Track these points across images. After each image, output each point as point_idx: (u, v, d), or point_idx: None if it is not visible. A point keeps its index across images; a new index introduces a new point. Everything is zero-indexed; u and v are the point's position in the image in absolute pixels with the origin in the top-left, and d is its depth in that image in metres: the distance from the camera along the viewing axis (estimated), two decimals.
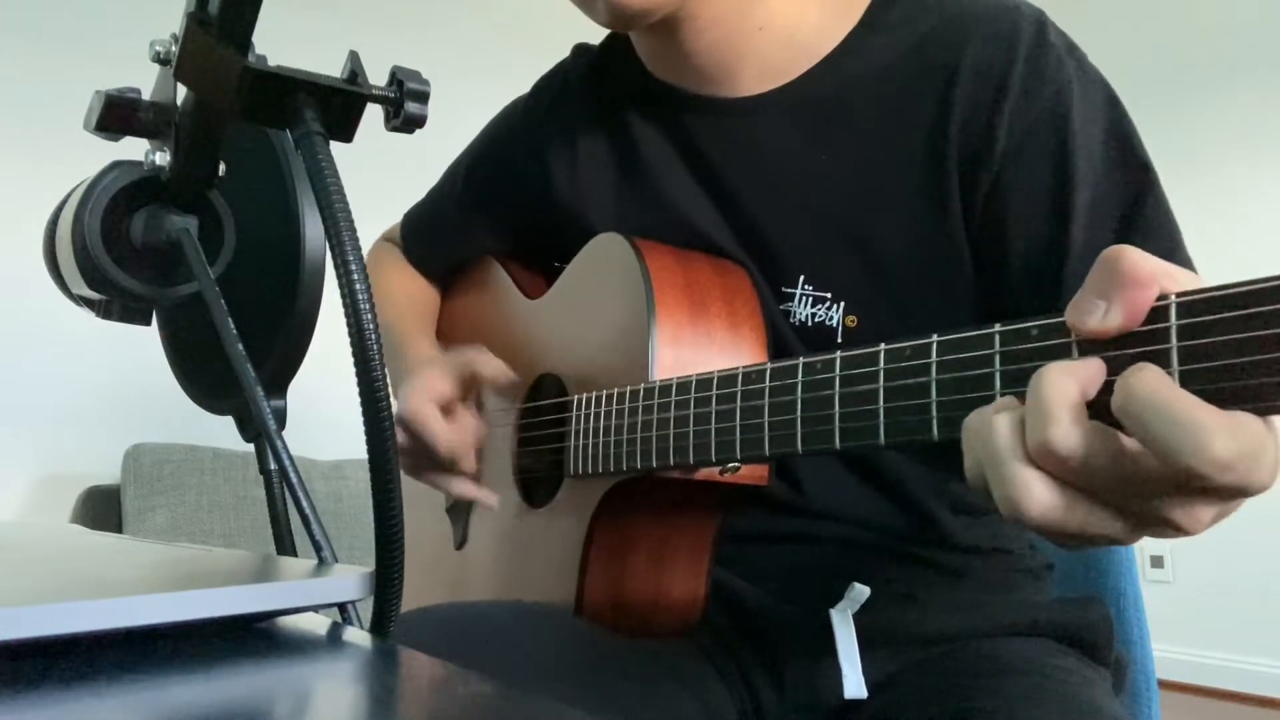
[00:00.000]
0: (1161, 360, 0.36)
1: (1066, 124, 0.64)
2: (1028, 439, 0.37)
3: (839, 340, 0.71)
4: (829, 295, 0.72)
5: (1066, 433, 0.35)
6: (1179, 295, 0.37)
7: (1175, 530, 0.37)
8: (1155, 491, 0.36)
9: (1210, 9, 3.21)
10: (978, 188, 0.67)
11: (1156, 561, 3.21)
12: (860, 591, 0.69)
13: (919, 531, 0.74)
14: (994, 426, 0.38)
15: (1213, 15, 3.21)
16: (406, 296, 1.02)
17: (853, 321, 0.72)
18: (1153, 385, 0.34)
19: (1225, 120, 3.16)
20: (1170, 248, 0.62)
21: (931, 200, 0.68)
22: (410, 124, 0.42)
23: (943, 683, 0.66)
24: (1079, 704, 0.61)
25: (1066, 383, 0.36)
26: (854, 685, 0.67)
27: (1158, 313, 0.37)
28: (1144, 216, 0.63)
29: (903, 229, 0.70)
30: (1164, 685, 2.89)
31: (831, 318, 0.72)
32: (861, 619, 0.69)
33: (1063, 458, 0.36)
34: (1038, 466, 0.37)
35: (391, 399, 0.35)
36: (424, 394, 0.79)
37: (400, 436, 0.80)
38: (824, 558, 0.74)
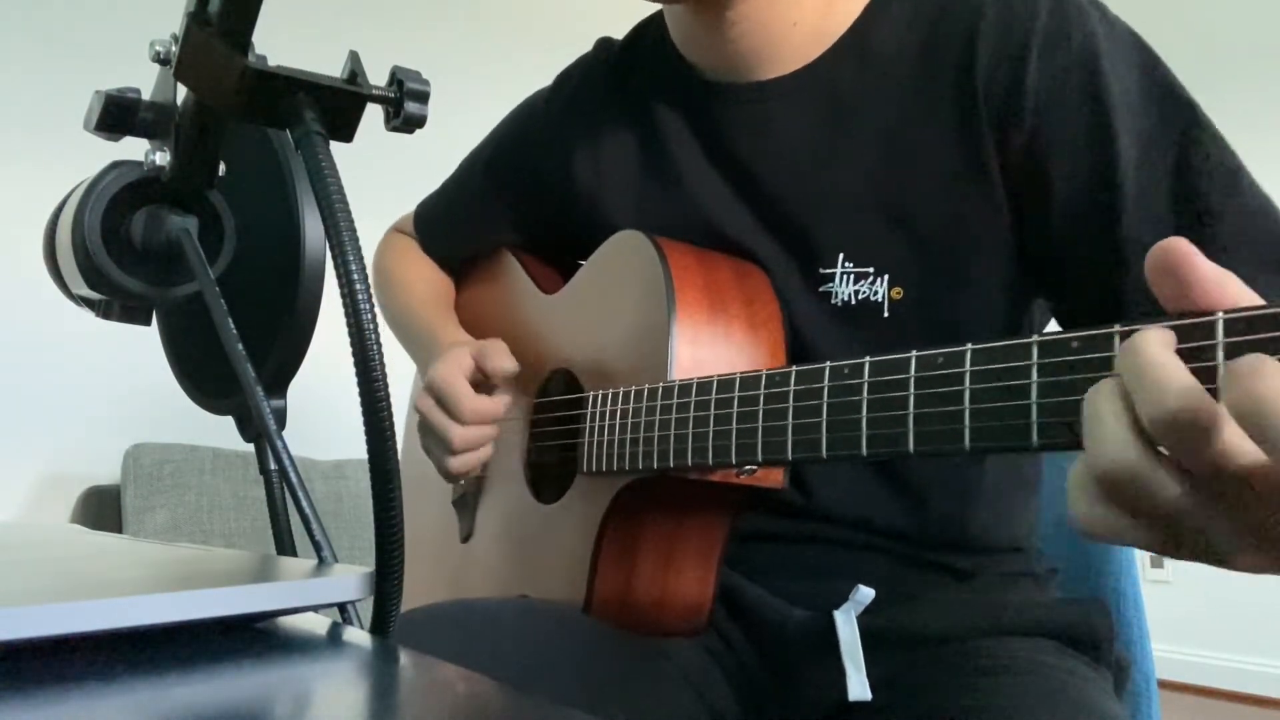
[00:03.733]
0: (1206, 378, 0.34)
1: (1097, 72, 0.63)
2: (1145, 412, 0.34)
3: (885, 315, 0.70)
4: (871, 270, 0.71)
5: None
6: (1226, 312, 0.36)
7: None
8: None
9: (1216, 2, 3.21)
10: (1011, 144, 0.66)
11: (1156, 561, 3.20)
12: (865, 594, 0.69)
13: (932, 533, 0.73)
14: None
15: (1218, 8, 3.20)
16: (427, 284, 1.03)
17: (898, 293, 0.70)
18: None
19: (1232, 114, 3.15)
20: (1230, 185, 0.61)
21: (967, 161, 0.68)
22: (410, 124, 0.42)
23: (943, 683, 0.66)
24: (1079, 704, 0.61)
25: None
26: (858, 687, 0.66)
27: (1204, 329, 0.36)
28: (1195, 159, 0.61)
29: (939, 194, 0.69)
30: (1164, 685, 2.88)
31: (876, 292, 0.71)
32: (864, 619, 0.69)
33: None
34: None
35: (392, 397, 0.35)
36: (456, 365, 0.81)
37: (426, 404, 0.82)
38: (828, 558, 0.73)
